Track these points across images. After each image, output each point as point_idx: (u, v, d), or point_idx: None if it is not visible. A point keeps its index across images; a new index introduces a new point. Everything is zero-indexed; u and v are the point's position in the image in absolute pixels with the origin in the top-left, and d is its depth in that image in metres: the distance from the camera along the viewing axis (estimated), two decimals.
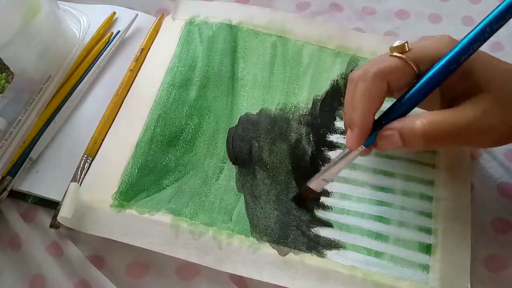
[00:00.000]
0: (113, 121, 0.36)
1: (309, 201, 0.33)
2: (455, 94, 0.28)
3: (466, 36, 0.27)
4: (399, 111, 0.29)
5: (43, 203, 0.33)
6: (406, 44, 0.29)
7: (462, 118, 0.27)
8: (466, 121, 0.27)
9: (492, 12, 0.27)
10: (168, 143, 0.35)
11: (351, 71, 0.39)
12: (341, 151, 0.31)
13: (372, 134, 0.29)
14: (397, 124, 0.28)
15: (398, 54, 0.28)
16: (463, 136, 0.27)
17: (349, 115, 0.29)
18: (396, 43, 0.29)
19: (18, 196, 0.34)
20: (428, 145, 0.27)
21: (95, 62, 0.39)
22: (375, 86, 0.28)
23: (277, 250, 0.31)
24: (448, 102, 0.29)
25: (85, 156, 0.35)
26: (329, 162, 0.32)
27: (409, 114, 0.28)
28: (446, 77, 0.28)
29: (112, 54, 0.40)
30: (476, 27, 0.27)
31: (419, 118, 0.27)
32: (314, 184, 0.31)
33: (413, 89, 0.28)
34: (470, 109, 0.27)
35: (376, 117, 0.29)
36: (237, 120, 0.37)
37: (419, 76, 0.28)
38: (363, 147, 0.29)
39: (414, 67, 0.28)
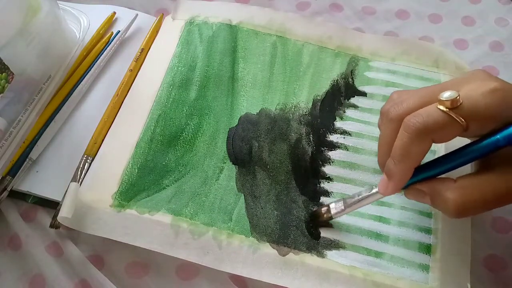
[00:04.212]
0: (113, 121, 0.36)
1: (322, 221, 0.32)
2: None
3: None
4: (439, 169, 0.28)
5: (43, 203, 0.33)
6: (458, 98, 0.26)
7: (497, 189, 0.26)
8: (501, 191, 0.26)
9: None
10: (168, 143, 0.35)
11: (351, 71, 0.40)
12: (364, 188, 0.31)
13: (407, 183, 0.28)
14: (429, 187, 0.28)
15: (447, 110, 0.26)
16: (497, 205, 0.26)
17: (386, 162, 0.28)
18: (446, 95, 0.26)
19: (18, 196, 0.34)
20: (458, 216, 0.27)
21: (95, 62, 0.39)
22: (418, 144, 0.27)
23: (277, 250, 0.31)
24: None
25: (85, 156, 0.35)
26: (356, 199, 0.31)
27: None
28: (496, 150, 0.26)
29: (112, 54, 0.40)
30: None
31: (450, 189, 0.26)
32: (335, 212, 0.31)
33: (463, 154, 0.27)
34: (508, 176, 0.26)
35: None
36: (237, 120, 0.37)
37: (465, 130, 0.26)
38: None
39: (463, 125, 0.26)
